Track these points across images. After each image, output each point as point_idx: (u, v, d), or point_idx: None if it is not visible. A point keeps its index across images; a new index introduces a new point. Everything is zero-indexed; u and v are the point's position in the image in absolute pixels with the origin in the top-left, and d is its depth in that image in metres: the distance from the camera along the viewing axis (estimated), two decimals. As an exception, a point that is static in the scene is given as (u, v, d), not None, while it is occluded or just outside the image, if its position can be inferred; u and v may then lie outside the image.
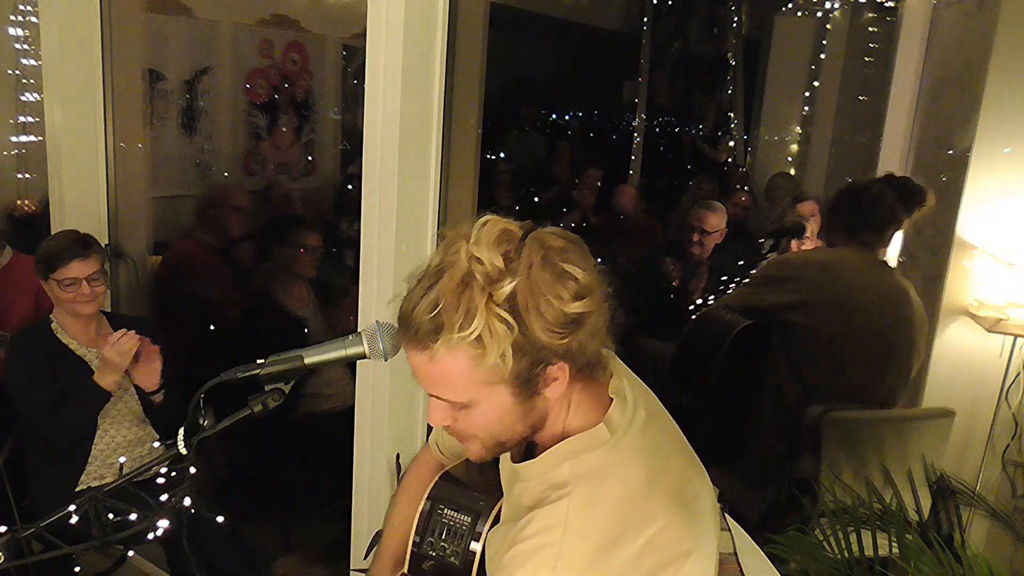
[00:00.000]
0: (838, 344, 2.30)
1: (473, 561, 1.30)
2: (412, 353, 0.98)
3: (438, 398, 1.01)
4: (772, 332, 2.39)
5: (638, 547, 0.97)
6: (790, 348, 2.37)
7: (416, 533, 1.35)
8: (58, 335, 2.43)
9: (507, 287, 0.92)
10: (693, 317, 2.67)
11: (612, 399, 1.08)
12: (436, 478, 1.40)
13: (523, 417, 1.02)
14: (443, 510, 1.35)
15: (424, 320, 0.94)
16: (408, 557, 1.36)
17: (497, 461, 1.29)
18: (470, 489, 1.37)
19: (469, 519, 1.33)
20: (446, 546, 1.33)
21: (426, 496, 1.38)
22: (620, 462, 1.02)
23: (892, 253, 2.71)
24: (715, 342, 2.33)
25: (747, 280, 2.58)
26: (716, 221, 3.76)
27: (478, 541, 1.31)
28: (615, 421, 1.05)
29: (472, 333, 0.92)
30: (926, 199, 2.31)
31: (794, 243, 3.19)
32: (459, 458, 1.45)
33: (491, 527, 1.31)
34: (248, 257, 3.75)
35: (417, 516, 1.36)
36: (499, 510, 1.32)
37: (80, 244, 2.39)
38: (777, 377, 2.38)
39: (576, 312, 0.94)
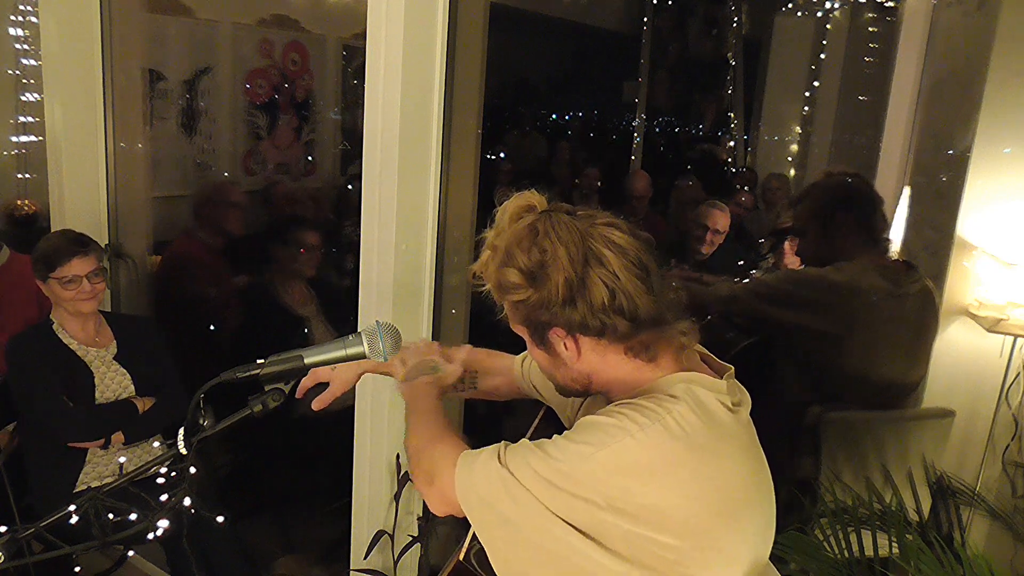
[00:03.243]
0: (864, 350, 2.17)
1: None
2: None
3: None
4: (774, 347, 2.30)
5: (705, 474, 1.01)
6: (806, 358, 2.24)
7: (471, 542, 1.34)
8: (60, 336, 2.43)
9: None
10: None
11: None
12: None
13: (556, 367, 1.14)
14: None
15: None
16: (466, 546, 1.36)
17: None
18: None
19: None
20: None
21: None
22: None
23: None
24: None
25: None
26: (726, 221, 3.77)
27: None
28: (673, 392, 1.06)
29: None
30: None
31: (786, 244, 3.18)
32: (528, 383, 1.48)
33: None
34: (248, 256, 3.75)
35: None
36: None
37: (77, 242, 2.40)
38: (785, 384, 2.31)
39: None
